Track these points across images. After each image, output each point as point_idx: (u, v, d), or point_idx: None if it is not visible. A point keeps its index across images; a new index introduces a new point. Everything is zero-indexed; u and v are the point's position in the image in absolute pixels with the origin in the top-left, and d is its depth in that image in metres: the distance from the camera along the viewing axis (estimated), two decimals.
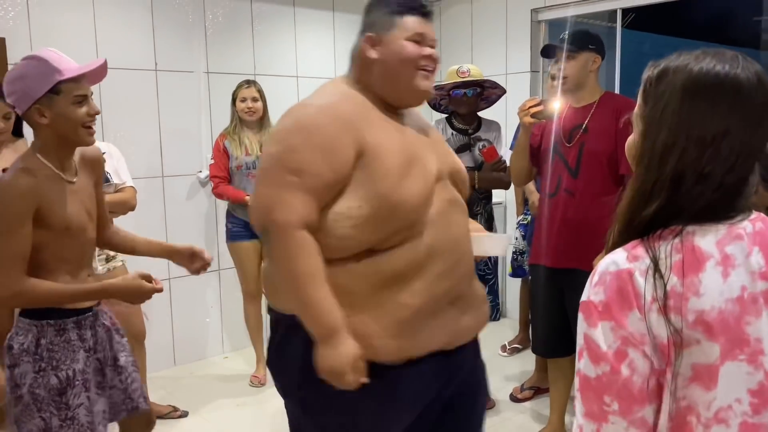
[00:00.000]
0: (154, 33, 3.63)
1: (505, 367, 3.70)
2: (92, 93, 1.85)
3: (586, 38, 2.65)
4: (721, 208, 0.89)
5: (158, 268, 2.33)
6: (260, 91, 3.50)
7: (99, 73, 1.88)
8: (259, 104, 3.49)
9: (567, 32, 2.62)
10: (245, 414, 3.26)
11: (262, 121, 3.51)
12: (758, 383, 0.85)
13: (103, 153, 2.90)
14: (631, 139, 0.98)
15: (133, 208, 2.81)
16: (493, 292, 3.29)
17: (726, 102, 0.87)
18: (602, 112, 2.60)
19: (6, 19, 3.13)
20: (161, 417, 3.00)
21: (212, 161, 3.47)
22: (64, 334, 1.77)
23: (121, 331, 1.99)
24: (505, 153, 3.19)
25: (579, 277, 2.58)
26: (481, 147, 3.07)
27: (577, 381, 0.91)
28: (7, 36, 3.11)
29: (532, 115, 2.50)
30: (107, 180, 2.85)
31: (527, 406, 3.24)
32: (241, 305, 3.64)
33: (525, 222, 3.60)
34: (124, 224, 2.92)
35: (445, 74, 3.20)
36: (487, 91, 3.20)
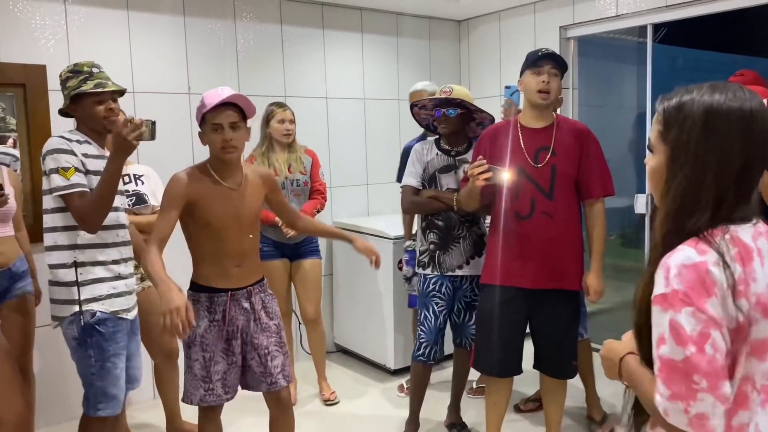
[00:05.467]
0: (187, 58, 3.72)
1: (469, 407, 3.55)
2: (229, 122, 2.17)
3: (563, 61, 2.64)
4: (748, 213, 1.08)
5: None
6: (293, 113, 3.56)
7: (249, 107, 2.20)
8: (294, 126, 3.54)
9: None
10: None
11: (291, 143, 3.56)
12: None
13: (141, 175, 2.98)
14: (656, 163, 1.13)
15: None
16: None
17: (740, 131, 1.03)
18: (564, 134, 2.60)
19: (47, 47, 3.25)
20: None
21: None
22: (196, 304, 2.22)
23: (271, 314, 2.36)
24: None
25: (556, 296, 2.59)
26: (465, 170, 2.85)
27: (657, 366, 1.01)
28: (47, 63, 3.23)
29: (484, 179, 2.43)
30: (144, 201, 2.91)
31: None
32: None
33: (412, 248, 3.34)
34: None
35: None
36: (479, 115, 3.00)
